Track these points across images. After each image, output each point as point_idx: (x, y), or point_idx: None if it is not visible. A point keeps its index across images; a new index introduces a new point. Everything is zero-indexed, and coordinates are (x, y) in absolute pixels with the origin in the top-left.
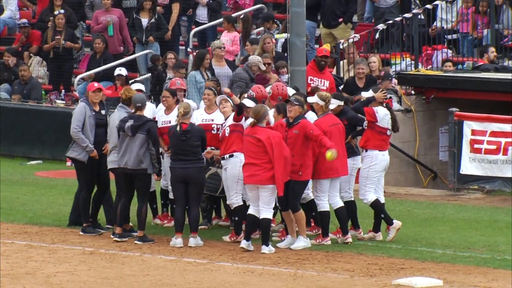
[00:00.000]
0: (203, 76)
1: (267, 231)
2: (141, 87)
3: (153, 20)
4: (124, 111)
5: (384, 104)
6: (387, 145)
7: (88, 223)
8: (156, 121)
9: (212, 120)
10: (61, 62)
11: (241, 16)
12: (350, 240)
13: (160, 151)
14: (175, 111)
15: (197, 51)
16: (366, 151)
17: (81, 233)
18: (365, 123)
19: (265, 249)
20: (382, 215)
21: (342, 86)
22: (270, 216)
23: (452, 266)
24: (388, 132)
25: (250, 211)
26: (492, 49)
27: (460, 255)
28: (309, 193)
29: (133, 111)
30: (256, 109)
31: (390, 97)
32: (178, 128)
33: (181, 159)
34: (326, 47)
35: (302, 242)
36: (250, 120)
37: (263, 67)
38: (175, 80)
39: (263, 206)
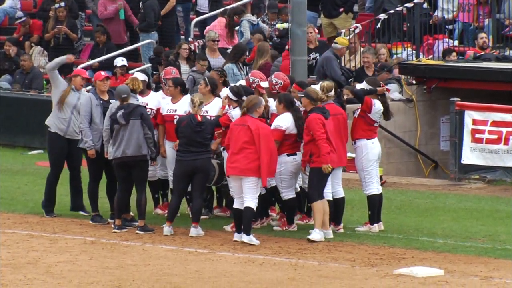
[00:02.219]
0: (239, 69)
1: (249, 221)
2: (143, 76)
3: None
4: (135, 99)
5: (379, 97)
6: (375, 134)
7: (97, 212)
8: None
9: (207, 112)
10: (61, 52)
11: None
12: (342, 230)
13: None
14: (183, 101)
15: (237, 44)
16: (355, 142)
17: (90, 222)
18: (357, 112)
19: (245, 238)
20: (369, 212)
21: (351, 79)
22: (253, 206)
23: (453, 256)
24: (376, 124)
25: (236, 205)
26: (482, 35)
27: (461, 245)
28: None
29: (119, 103)
30: (249, 98)
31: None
32: (192, 120)
33: (191, 151)
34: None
35: (317, 235)
36: (238, 110)
37: None
38: (170, 69)
39: (247, 195)
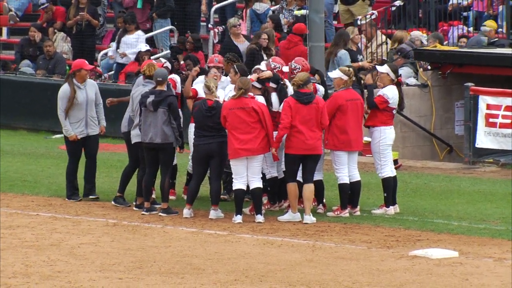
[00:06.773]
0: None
1: (260, 200)
2: (166, 63)
3: None
4: (152, 86)
5: (394, 82)
6: (392, 120)
7: (121, 194)
8: (177, 96)
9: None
10: (83, 38)
11: None
12: (358, 213)
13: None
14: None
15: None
16: (369, 128)
17: (112, 202)
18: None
19: (260, 218)
20: (385, 194)
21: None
22: (261, 185)
23: (468, 237)
24: (394, 111)
25: (239, 186)
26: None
27: (475, 227)
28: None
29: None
30: (245, 80)
31: (400, 74)
32: (203, 104)
33: (204, 135)
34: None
35: (288, 216)
36: (232, 93)
37: (426, 42)
38: (213, 57)
39: (254, 176)
